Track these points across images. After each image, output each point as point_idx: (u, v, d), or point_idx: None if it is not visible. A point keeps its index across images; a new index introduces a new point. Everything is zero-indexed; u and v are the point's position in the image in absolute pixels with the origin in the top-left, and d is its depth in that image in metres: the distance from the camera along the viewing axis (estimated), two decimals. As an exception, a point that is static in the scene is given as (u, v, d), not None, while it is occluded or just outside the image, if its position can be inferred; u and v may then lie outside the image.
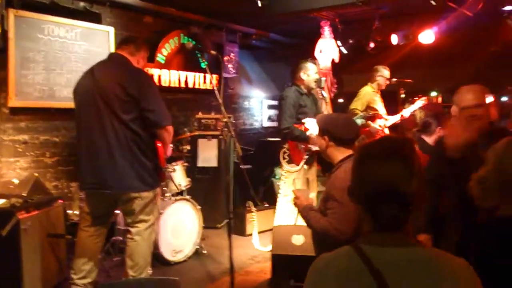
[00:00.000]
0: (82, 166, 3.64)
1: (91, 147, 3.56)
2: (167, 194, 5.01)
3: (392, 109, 6.50)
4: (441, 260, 1.32)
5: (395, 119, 6.21)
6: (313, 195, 5.00)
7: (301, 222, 4.60)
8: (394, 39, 6.97)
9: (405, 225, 1.36)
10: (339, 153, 2.78)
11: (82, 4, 5.49)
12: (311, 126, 4.59)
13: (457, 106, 2.99)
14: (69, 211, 4.72)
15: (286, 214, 5.01)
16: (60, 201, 4.34)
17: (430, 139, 4.70)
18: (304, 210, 2.80)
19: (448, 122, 4.13)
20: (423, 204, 1.38)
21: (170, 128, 3.65)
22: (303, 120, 4.84)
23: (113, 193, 3.58)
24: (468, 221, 2.73)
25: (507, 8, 5.66)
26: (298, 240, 4.04)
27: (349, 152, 2.77)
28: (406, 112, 6.25)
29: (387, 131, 6.24)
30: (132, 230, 3.66)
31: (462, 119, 2.95)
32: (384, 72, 6.21)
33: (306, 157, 4.89)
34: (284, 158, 4.97)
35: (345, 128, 2.80)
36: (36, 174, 4.87)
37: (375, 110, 6.18)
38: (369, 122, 6.01)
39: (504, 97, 9.08)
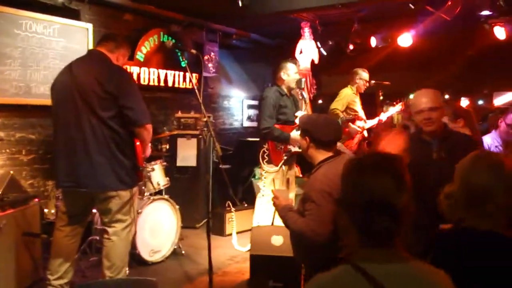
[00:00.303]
0: (58, 164, 3.58)
1: (68, 145, 3.51)
2: (145, 194, 4.97)
3: (370, 111, 6.58)
4: (432, 273, 1.39)
5: (373, 122, 6.29)
6: (292, 195, 5.02)
7: (278, 222, 4.64)
8: (373, 41, 7.05)
9: (397, 239, 1.40)
10: (319, 155, 2.79)
11: (60, 0, 5.41)
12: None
13: (413, 109, 3.07)
14: (45, 210, 4.64)
15: (264, 214, 5.02)
16: (36, 199, 4.27)
17: None
18: (282, 210, 2.80)
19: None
20: (410, 219, 1.42)
21: (149, 127, 3.61)
22: (296, 114, 4.83)
23: (89, 191, 3.53)
24: (432, 231, 2.80)
25: (484, 12, 5.76)
26: (277, 240, 4.05)
27: (329, 154, 2.78)
28: (384, 116, 6.33)
29: (365, 133, 6.31)
30: (109, 230, 3.62)
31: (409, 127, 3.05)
32: (363, 75, 6.29)
33: (285, 157, 4.91)
34: (263, 158, 4.98)
35: (325, 129, 2.79)
36: (11, 172, 4.78)
37: (355, 111, 6.25)
38: (350, 123, 6.06)
39: (481, 100, 9.26)
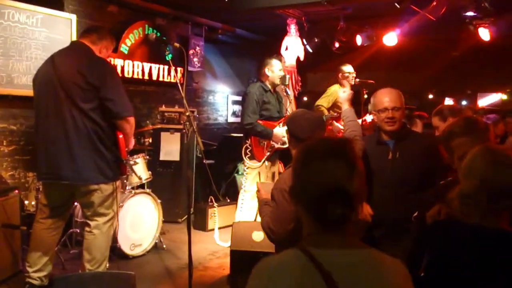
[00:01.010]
0: (39, 155, 3.55)
1: (49, 137, 3.47)
2: (127, 187, 4.94)
3: (355, 108, 6.58)
4: (385, 261, 1.36)
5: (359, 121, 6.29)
6: None
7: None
8: (359, 40, 7.09)
9: (349, 225, 1.38)
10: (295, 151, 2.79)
11: (44, -11, 5.35)
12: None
13: (374, 108, 3.01)
14: (26, 202, 4.59)
15: (247, 210, 5.03)
16: (16, 191, 4.20)
17: None
18: (260, 203, 2.82)
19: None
20: (362, 202, 1.42)
21: (131, 119, 3.59)
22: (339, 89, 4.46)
23: (70, 184, 3.50)
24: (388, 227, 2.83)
25: (469, 13, 5.81)
26: (258, 236, 4.06)
27: None
28: (369, 118, 6.34)
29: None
30: (91, 223, 3.60)
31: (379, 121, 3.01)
32: (345, 69, 6.24)
33: (268, 153, 4.91)
34: (246, 154, 4.97)
35: (302, 125, 2.73)
36: (-9, 163, 4.73)
37: (341, 109, 6.24)
38: (334, 121, 6.07)
39: (464, 101, 9.37)
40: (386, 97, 2.97)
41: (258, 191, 2.92)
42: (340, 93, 3.62)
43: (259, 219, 4.54)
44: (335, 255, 1.34)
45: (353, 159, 1.39)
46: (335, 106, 6.22)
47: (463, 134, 2.32)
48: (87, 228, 3.64)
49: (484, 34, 6.27)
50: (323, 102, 6.13)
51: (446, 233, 1.86)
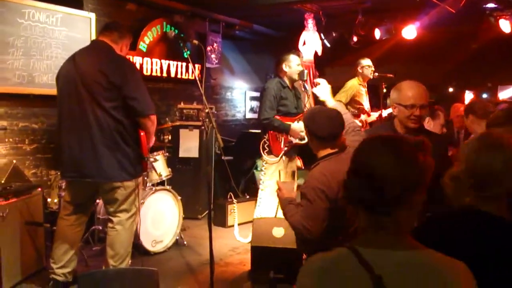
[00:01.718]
0: (63, 154, 3.59)
1: (73, 135, 3.52)
2: (148, 184, 4.98)
3: (374, 102, 6.56)
4: (442, 265, 1.31)
5: (375, 116, 6.27)
6: (295, 187, 5.01)
7: (281, 214, 4.65)
8: (377, 33, 7.02)
9: (403, 225, 1.36)
10: (321, 150, 2.74)
11: (63, -11, 5.40)
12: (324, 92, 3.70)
13: (400, 101, 2.85)
14: (48, 199, 4.66)
15: (266, 205, 5.03)
16: (39, 189, 4.29)
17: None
18: (283, 203, 2.80)
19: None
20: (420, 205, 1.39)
21: (154, 117, 3.62)
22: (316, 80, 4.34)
23: (94, 181, 3.55)
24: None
25: (489, 5, 5.72)
26: (279, 232, 4.06)
27: (330, 150, 2.71)
28: (385, 112, 6.30)
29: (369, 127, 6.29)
30: (114, 219, 3.64)
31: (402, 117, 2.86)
32: (363, 63, 6.22)
33: (285, 148, 4.89)
34: (264, 149, 4.97)
35: (320, 123, 2.70)
36: (14, 161, 4.80)
37: (360, 104, 6.21)
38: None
39: (485, 94, 9.23)
40: (415, 93, 2.83)
41: (279, 189, 2.90)
42: (315, 90, 3.43)
43: (279, 215, 4.57)
44: (387, 256, 1.31)
45: (406, 154, 1.39)
46: (353, 101, 6.19)
47: (502, 125, 2.26)
48: (110, 224, 3.68)
49: (505, 26, 6.17)
50: (342, 97, 6.10)
51: (440, 227, 1.81)
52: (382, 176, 1.33)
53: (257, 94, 9.01)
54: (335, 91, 6.33)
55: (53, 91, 3.81)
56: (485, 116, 3.47)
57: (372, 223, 1.37)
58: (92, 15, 5.62)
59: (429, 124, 4.44)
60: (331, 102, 3.36)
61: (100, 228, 4.77)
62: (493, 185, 1.66)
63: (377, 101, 6.60)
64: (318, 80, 3.51)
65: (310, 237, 2.52)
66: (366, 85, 6.33)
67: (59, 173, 4.17)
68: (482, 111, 3.80)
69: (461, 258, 1.50)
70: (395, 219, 1.35)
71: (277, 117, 4.89)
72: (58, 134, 3.70)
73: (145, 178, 4.94)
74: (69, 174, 3.61)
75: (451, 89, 9.48)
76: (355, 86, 6.20)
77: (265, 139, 4.97)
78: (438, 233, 1.75)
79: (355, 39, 7.10)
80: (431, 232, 1.75)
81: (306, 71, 5.11)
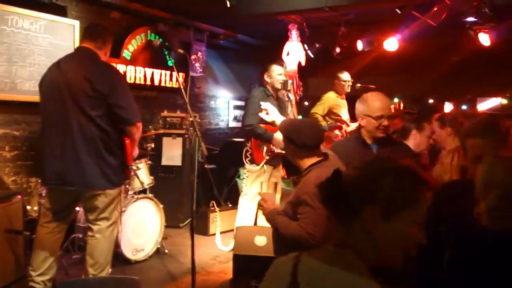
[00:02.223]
0: (45, 161, 3.56)
1: (56, 143, 3.50)
2: (129, 192, 4.96)
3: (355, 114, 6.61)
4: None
5: (354, 126, 6.33)
6: (278, 197, 5.03)
7: (261, 222, 4.65)
8: (360, 45, 7.11)
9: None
10: (307, 159, 2.74)
11: (47, -4, 5.39)
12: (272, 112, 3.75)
13: (369, 112, 2.94)
14: (28, 207, 4.61)
15: (247, 214, 5.04)
16: (18, 196, 4.24)
17: (410, 144, 4.59)
18: (270, 214, 2.76)
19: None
20: None
21: (140, 125, 3.64)
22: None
23: (76, 189, 3.53)
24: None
25: (469, 19, 5.84)
26: (261, 241, 4.06)
27: (315, 158, 2.73)
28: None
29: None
30: (94, 227, 3.62)
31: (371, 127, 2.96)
32: (341, 77, 6.31)
33: (267, 157, 4.90)
34: (246, 157, 4.99)
35: (308, 134, 2.73)
36: (-6, 168, 4.75)
37: (338, 115, 6.28)
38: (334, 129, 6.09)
39: (464, 105, 9.38)
40: (383, 104, 2.95)
41: (264, 201, 2.87)
42: (263, 115, 3.50)
43: (259, 223, 4.57)
44: (315, 266, 1.33)
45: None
46: (330, 113, 6.27)
47: (479, 137, 2.27)
48: (89, 233, 3.66)
49: (484, 39, 6.29)
50: (318, 109, 6.20)
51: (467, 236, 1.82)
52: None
53: (240, 103, 9.05)
54: (318, 101, 6.41)
55: (36, 98, 3.79)
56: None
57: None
58: (76, 23, 5.61)
59: (415, 137, 4.46)
60: (279, 120, 3.39)
61: (80, 236, 4.73)
62: None
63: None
64: (265, 106, 3.51)
65: (315, 244, 2.46)
66: (344, 97, 6.41)
67: (39, 181, 4.14)
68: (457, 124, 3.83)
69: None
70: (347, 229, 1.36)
71: (262, 125, 4.92)
72: (40, 140, 3.67)
73: (127, 186, 4.92)
74: (51, 182, 3.58)
75: (431, 101, 9.62)
76: (331, 99, 6.30)
77: (247, 147, 4.99)
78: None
79: (338, 50, 7.20)
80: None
81: (290, 81, 5.16)
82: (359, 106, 3.03)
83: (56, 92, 3.50)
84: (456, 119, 3.90)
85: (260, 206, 2.96)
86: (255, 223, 4.56)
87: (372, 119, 2.94)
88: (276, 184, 4.96)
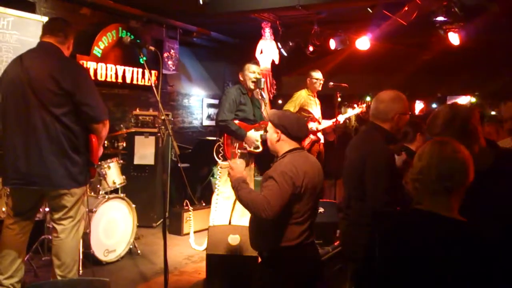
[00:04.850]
0: (8, 160, 3.45)
1: (19, 141, 3.40)
2: (100, 192, 4.88)
3: (329, 112, 6.67)
4: None
5: (328, 123, 6.39)
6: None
7: (235, 221, 4.65)
8: (332, 44, 7.16)
9: None
10: (288, 146, 2.86)
11: (15, -8, 5.26)
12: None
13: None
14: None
15: (220, 211, 5.03)
16: (-16, 197, 4.12)
17: (413, 146, 4.57)
18: (236, 181, 2.81)
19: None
20: None
21: (107, 122, 3.57)
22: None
23: (41, 189, 3.44)
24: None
25: (439, 18, 5.94)
26: (234, 240, 4.06)
27: (295, 145, 2.87)
28: (341, 117, 6.43)
29: (320, 134, 6.40)
30: (58, 227, 3.53)
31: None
32: (314, 75, 6.37)
33: (238, 152, 4.88)
34: (218, 153, 4.98)
35: (298, 126, 2.90)
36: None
37: (309, 113, 6.32)
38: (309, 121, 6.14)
39: (434, 104, 9.55)
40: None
41: (231, 169, 2.90)
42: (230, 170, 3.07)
43: (233, 221, 4.57)
44: None
45: None
46: (301, 110, 6.31)
47: (439, 134, 2.34)
48: (54, 233, 3.57)
49: (454, 38, 6.40)
50: (290, 107, 6.26)
51: (395, 222, 2.00)
52: None
53: (214, 101, 9.02)
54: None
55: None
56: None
57: None
58: (45, 19, 5.47)
59: (419, 140, 4.45)
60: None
61: (50, 237, 4.62)
62: (447, 188, 1.84)
63: (332, 110, 6.72)
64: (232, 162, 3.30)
65: (269, 214, 2.56)
66: (316, 95, 6.45)
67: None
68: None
69: (406, 253, 1.64)
70: None
71: (236, 121, 4.92)
72: (2, 139, 3.55)
73: (97, 186, 4.84)
74: (14, 181, 3.47)
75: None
76: (302, 96, 6.35)
77: (220, 143, 4.99)
78: (390, 229, 1.92)
79: (311, 48, 7.23)
80: (381, 228, 1.87)
81: (263, 79, 5.17)
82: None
83: (18, 89, 3.40)
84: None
85: (228, 174, 2.98)
86: (230, 222, 4.55)
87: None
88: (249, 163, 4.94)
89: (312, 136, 6.25)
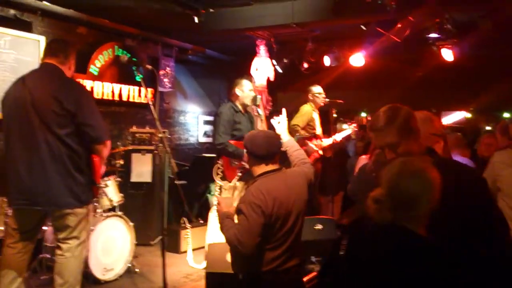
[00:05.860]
0: (11, 181, 3.46)
1: (22, 162, 3.40)
2: (98, 210, 4.86)
3: (324, 128, 6.70)
4: None
5: (328, 142, 6.38)
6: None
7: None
8: (327, 60, 7.23)
9: None
10: (257, 169, 2.88)
11: (12, 11, 5.28)
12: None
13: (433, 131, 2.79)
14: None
15: (218, 230, 5.00)
16: (-18, 217, 4.10)
17: None
18: (221, 217, 2.86)
19: None
20: None
21: (109, 143, 3.59)
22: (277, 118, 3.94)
23: (44, 210, 3.45)
24: None
25: (433, 35, 6.03)
26: (233, 257, 4.04)
27: (267, 168, 2.85)
28: (338, 136, 6.43)
29: (320, 152, 6.40)
30: (63, 246, 3.52)
31: None
32: (314, 90, 6.34)
33: (239, 174, 4.91)
34: (217, 174, 4.98)
35: (259, 144, 2.87)
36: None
37: (314, 129, 6.30)
38: (307, 141, 6.11)
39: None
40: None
41: (218, 204, 2.94)
42: (275, 124, 3.62)
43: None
44: None
45: None
46: (308, 126, 6.30)
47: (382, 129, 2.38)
48: (58, 252, 3.56)
49: (447, 54, 6.49)
50: (299, 121, 6.16)
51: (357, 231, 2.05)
52: None
53: (210, 118, 9.03)
54: (288, 116, 6.43)
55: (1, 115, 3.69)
56: None
57: None
58: (42, 38, 5.52)
59: None
60: (285, 137, 3.48)
61: (48, 256, 4.60)
62: (411, 208, 1.83)
63: (327, 126, 6.75)
64: (279, 118, 3.65)
65: (242, 251, 2.61)
66: (317, 111, 6.46)
67: (4, 200, 4.02)
68: None
69: (378, 272, 1.69)
70: None
71: (232, 141, 4.92)
72: (5, 160, 3.56)
73: (95, 204, 4.83)
74: (18, 202, 3.48)
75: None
76: (310, 112, 6.31)
77: (218, 165, 4.98)
78: (360, 247, 1.94)
79: (305, 65, 7.30)
80: (352, 245, 1.95)
81: (259, 96, 5.20)
82: (429, 127, 2.75)
83: (21, 110, 3.42)
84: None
85: (216, 209, 3.04)
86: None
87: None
88: (234, 188, 4.94)
89: (316, 154, 6.21)
